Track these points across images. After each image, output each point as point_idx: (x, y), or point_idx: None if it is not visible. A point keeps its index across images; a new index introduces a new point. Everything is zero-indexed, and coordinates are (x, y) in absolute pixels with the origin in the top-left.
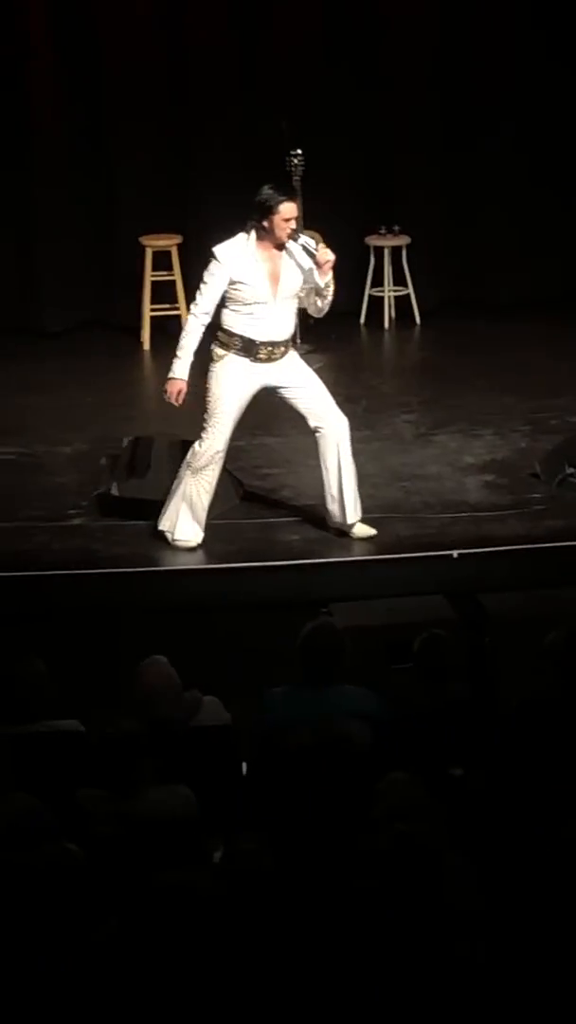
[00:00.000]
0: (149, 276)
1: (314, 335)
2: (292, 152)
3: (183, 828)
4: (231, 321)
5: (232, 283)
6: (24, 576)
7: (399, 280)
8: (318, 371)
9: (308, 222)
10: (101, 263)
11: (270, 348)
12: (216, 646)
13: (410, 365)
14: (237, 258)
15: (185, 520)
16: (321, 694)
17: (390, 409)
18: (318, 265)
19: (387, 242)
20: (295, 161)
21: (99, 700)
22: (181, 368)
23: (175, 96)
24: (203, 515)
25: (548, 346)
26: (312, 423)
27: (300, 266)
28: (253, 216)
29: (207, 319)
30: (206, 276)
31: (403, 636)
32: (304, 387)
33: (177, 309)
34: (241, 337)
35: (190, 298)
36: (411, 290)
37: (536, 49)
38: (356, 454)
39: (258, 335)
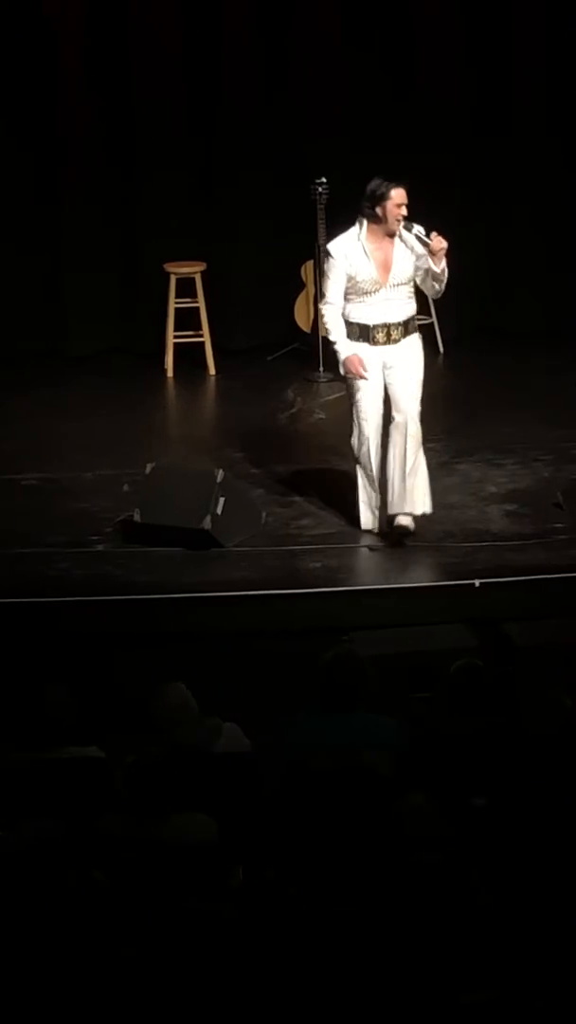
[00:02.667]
0: (173, 303)
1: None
2: (317, 180)
3: (203, 855)
4: (348, 310)
5: (347, 273)
6: (46, 602)
7: (422, 309)
8: (342, 399)
9: None
10: (126, 290)
11: (386, 330)
12: (237, 673)
13: (433, 394)
14: (348, 250)
15: (365, 510)
16: (341, 722)
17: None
18: (432, 253)
19: None
20: (319, 189)
21: (119, 727)
22: (344, 347)
23: (200, 124)
24: (377, 500)
25: (572, 375)
26: (392, 411)
27: (412, 251)
28: (364, 206)
29: (338, 305)
30: (326, 271)
31: (424, 664)
32: (405, 382)
33: (201, 336)
34: (358, 324)
35: (214, 325)
36: (434, 319)
37: (564, 80)
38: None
39: (372, 319)
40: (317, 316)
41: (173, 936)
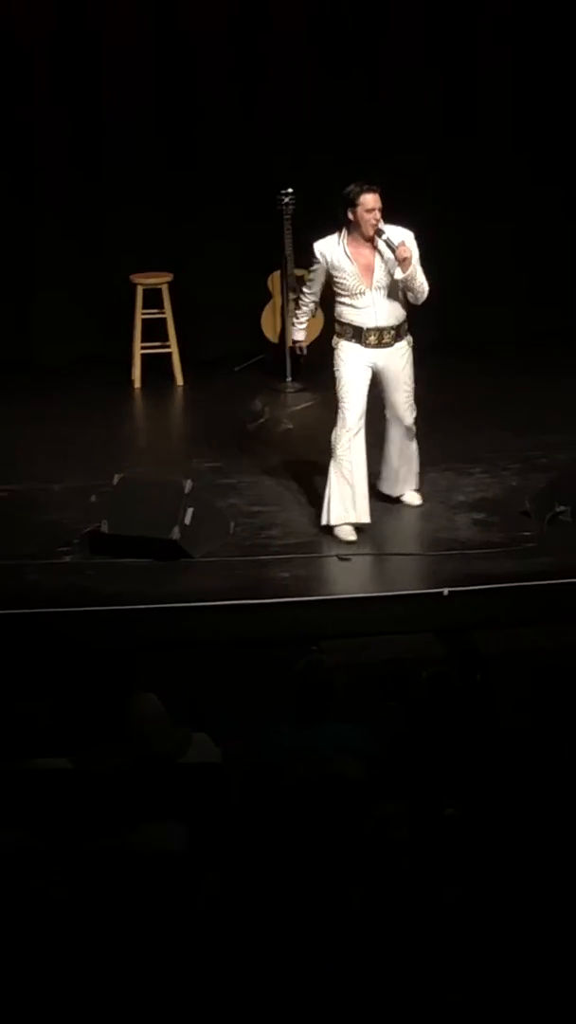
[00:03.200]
0: (140, 314)
1: (304, 374)
2: (283, 191)
3: (174, 864)
4: (340, 311)
5: (332, 274)
6: (15, 613)
7: None
8: (309, 408)
9: (298, 260)
10: (96, 300)
11: (378, 333)
12: (207, 683)
13: None
14: (330, 252)
15: (337, 505)
16: (312, 731)
17: (382, 446)
18: (398, 260)
19: None
20: (286, 200)
21: (90, 737)
22: (298, 333)
23: (168, 135)
24: (357, 496)
25: (539, 384)
26: (387, 412)
27: (385, 257)
28: (341, 211)
29: (314, 298)
30: (311, 267)
31: (394, 673)
32: (397, 389)
33: (168, 347)
34: (350, 325)
35: (181, 336)
36: None
37: (528, 97)
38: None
39: (364, 323)
40: (284, 327)
41: (144, 943)
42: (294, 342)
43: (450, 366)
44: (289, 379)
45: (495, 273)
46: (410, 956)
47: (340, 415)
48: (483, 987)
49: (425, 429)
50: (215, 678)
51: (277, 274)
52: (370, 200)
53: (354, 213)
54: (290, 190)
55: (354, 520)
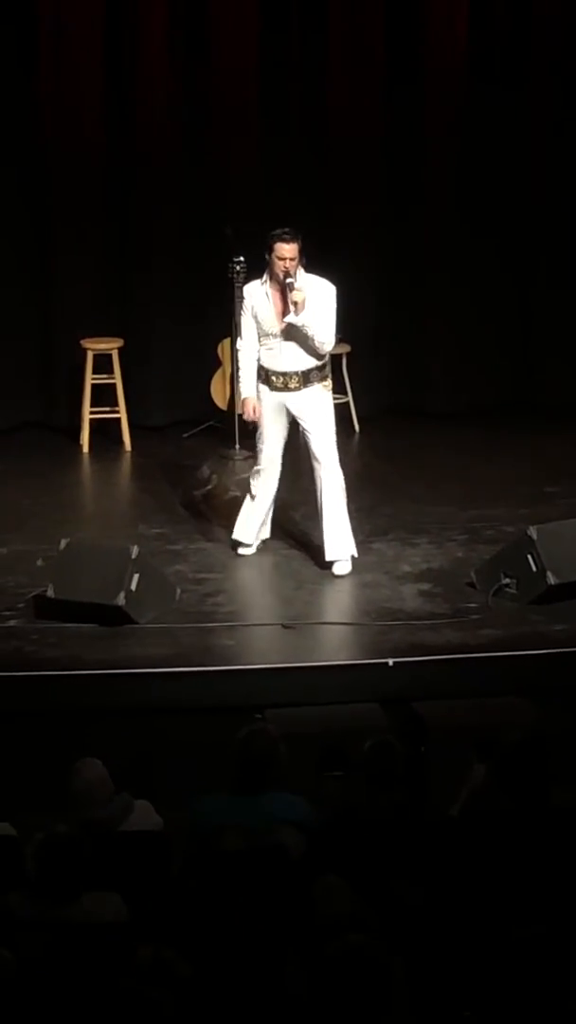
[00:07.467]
0: (89, 379)
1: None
2: (235, 259)
3: (113, 935)
4: (260, 353)
5: (254, 315)
6: None
7: (338, 388)
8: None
9: None
10: (43, 365)
11: (284, 377)
12: (150, 750)
13: (348, 473)
14: (254, 294)
15: (241, 523)
16: (254, 800)
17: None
18: (292, 302)
19: None
20: (237, 268)
21: (31, 803)
22: (246, 388)
23: (118, 199)
24: (252, 524)
25: (485, 455)
26: (312, 461)
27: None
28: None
29: (249, 347)
30: (240, 312)
31: (337, 743)
32: (311, 431)
33: (117, 412)
34: (262, 367)
35: (130, 401)
36: (350, 398)
37: (477, 168)
38: (292, 559)
39: (272, 365)
40: (233, 394)
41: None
42: (244, 400)
43: (398, 436)
44: (237, 447)
45: (441, 344)
46: None
47: (258, 449)
48: None
49: (372, 499)
50: (158, 745)
51: (227, 342)
52: (283, 249)
53: (270, 257)
54: (241, 258)
55: (243, 540)
